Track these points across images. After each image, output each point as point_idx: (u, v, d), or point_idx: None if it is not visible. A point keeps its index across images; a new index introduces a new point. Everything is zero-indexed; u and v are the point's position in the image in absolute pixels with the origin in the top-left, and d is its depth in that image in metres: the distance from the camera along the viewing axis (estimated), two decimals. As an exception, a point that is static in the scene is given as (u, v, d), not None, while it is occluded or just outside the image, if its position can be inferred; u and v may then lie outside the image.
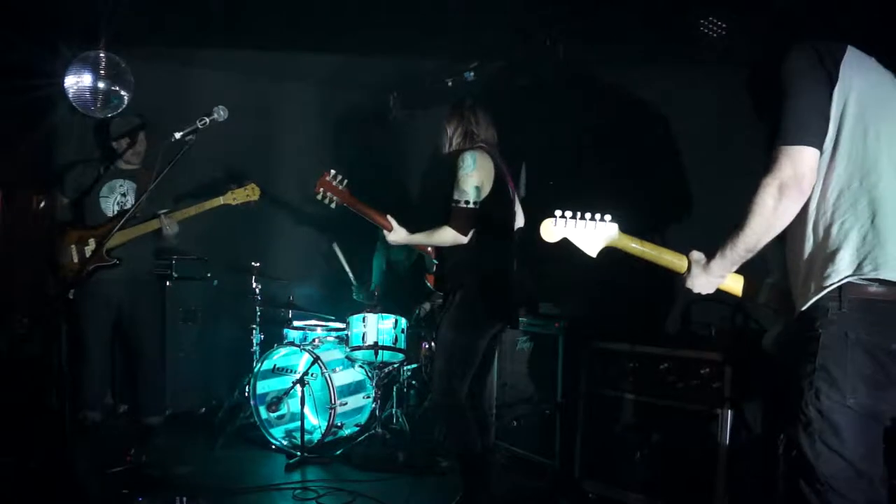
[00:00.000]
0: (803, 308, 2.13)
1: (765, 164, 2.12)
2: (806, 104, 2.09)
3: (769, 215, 2.10)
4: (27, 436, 4.56)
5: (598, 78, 5.11)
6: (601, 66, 5.05)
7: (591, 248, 2.42)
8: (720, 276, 2.33)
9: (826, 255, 2.09)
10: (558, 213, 2.42)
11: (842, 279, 2.04)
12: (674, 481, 3.61)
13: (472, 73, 5.60)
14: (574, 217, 2.41)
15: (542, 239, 2.48)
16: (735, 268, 2.30)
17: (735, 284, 2.40)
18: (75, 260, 4.65)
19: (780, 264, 2.33)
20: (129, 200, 4.81)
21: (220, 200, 4.73)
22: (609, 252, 2.47)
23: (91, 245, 4.65)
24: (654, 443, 3.73)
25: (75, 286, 4.47)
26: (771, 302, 2.40)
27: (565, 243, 2.45)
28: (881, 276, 2.01)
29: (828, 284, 2.06)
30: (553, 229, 2.43)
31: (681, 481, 3.57)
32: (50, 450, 4.01)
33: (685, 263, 2.37)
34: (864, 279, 2.03)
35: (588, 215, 2.41)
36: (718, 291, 2.41)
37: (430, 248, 3.99)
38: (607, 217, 2.42)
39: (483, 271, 3.52)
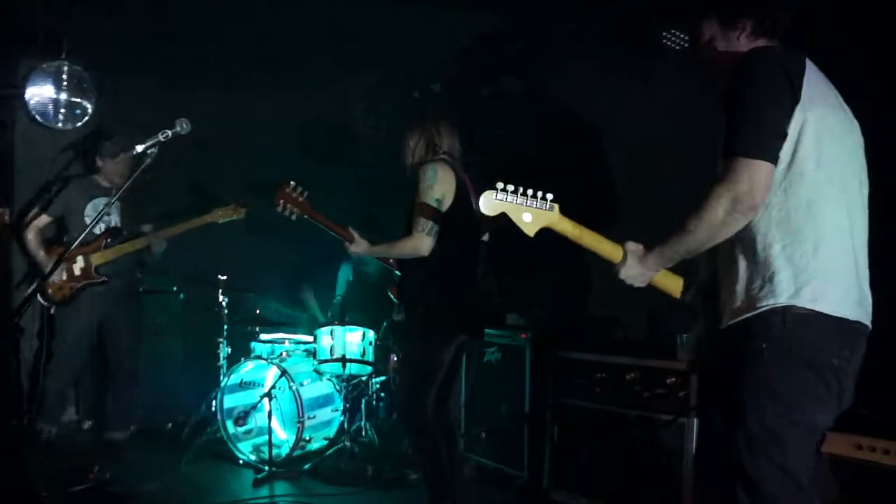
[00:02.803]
0: (731, 322, 2.13)
1: (717, 170, 2.04)
2: (769, 117, 2.01)
3: (717, 225, 2.04)
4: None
5: (563, 88, 5.15)
6: (565, 76, 5.09)
7: (530, 226, 2.35)
8: (654, 270, 2.29)
9: (763, 275, 2.08)
10: (499, 185, 2.34)
11: (777, 303, 2.03)
12: (641, 490, 3.63)
13: (437, 85, 5.62)
14: (515, 192, 2.34)
15: (518, 240, 2.38)
16: (670, 265, 2.28)
17: (674, 284, 2.37)
18: (64, 277, 4.66)
19: (707, 265, 2.31)
20: (114, 219, 4.84)
21: (208, 218, 4.81)
22: (592, 261, 2.35)
23: (79, 262, 4.67)
24: (622, 452, 3.75)
25: (64, 303, 4.65)
26: (695, 303, 2.37)
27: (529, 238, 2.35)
28: (818, 309, 2.01)
29: (761, 306, 2.05)
30: (493, 202, 2.35)
31: (648, 490, 3.59)
32: (8, 467, 3.93)
33: (620, 253, 2.30)
34: (801, 307, 2.02)
35: (530, 192, 2.35)
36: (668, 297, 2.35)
37: (392, 260, 3.98)
38: (549, 196, 2.36)
39: (446, 283, 3.51)
